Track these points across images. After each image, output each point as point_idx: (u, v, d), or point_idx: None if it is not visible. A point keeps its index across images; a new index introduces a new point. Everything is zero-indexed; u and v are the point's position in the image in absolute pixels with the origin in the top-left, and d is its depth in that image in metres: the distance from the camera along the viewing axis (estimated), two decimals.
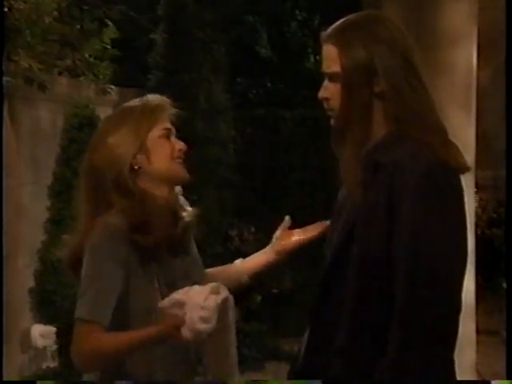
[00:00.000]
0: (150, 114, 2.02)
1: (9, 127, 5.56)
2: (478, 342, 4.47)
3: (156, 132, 2.02)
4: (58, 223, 5.33)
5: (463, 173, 1.75)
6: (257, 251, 2.19)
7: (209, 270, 2.19)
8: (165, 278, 2.00)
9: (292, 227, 2.18)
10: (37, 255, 5.34)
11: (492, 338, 5.58)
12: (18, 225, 5.67)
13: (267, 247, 2.20)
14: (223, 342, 1.97)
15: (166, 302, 1.91)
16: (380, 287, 1.69)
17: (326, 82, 1.80)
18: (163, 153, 2.02)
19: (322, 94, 1.80)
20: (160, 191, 2.02)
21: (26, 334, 5.55)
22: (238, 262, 2.20)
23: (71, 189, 5.30)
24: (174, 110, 2.07)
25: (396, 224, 1.66)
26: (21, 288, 5.43)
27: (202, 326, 1.87)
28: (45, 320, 5.26)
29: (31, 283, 5.31)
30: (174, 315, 1.87)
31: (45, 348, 5.47)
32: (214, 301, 1.89)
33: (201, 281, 2.04)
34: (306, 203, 7.09)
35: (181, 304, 1.88)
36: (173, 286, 1.98)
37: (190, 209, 2.10)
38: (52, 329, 5.27)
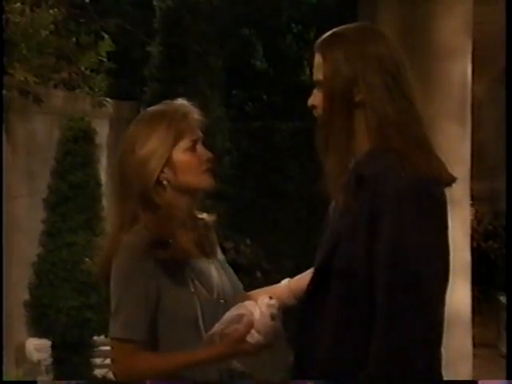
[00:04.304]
0: (178, 125, 2.00)
1: (4, 140, 5.56)
2: (474, 356, 4.45)
3: (182, 145, 2.01)
4: (53, 236, 5.30)
5: (447, 185, 1.76)
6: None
7: (253, 292, 2.14)
8: (200, 280, 1.97)
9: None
10: (32, 268, 5.30)
11: (489, 352, 5.55)
12: (13, 237, 5.66)
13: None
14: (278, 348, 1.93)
15: (218, 326, 1.87)
16: (362, 298, 1.70)
17: (314, 90, 1.84)
18: (189, 167, 2.00)
19: (310, 101, 1.84)
20: (184, 201, 2.02)
21: (21, 348, 5.52)
22: (285, 282, 2.13)
23: (67, 202, 5.30)
24: (200, 117, 2.06)
25: (376, 236, 1.68)
26: (15, 301, 5.40)
27: (274, 323, 1.85)
28: (40, 334, 5.22)
29: (26, 296, 5.27)
30: (235, 329, 1.85)
31: (39, 362, 5.44)
32: (275, 301, 1.89)
33: (239, 289, 2.03)
34: (303, 215, 7.11)
35: (238, 318, 1.87)
36: (211, 289, 1.97)
37: (205, 214, 2.10)
38: (47, 342, 5.24)
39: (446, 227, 1.71)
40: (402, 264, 1.66)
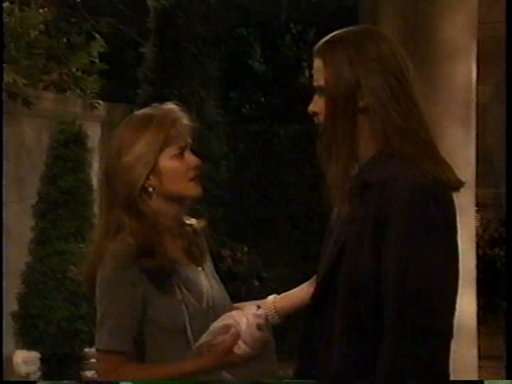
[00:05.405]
0: (166, 130, 1.98)
1: None
2: (479, 368, 4.37)
3: (170, 152, 1.98)
4: (42, 244, 5.28)
5: (455, 190, 1.74)
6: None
7: (239, 304, 2.10)
8: (188, 288, 1.96)
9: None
10: (20, 277, 5.22)
11: (495, 363, 5.48)
12: (1, 245, 5.57)
13: (305, 284, 2.06)
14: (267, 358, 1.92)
15: (205, 338, 1.88)
16: (368, 310, 1.67)
17: (315, 97, 1.81)
18: (176, 174, 1.99)
19: (310, 108, 1.82)
20: (171, 209, 2.00)
21: (9, 361, 5.44)
22: (271, 298, 2.08)
23: (57, 208, 5.25)
24: (190, 122, 2.03)
25: (383, 244, 1.65)
26: (3, 312, 5.28)
27: (261, 333, 1.86)
28: (28, 346, 5.18)
29: (14, 307, 5.19)
30: (222, 341, 1.85)
31: (28, 375, 5.40)
32: (263, 311, 1.91)
33: (226, 301, 2.03)
34: (302, 222, 7.07)
35: (225, 329, 1.86)
36: (200, 297, 1.97)
37: (194, 220, 2.09)
38: (36, 355, 5.22)
39: (455, 234, 1.69)
40: (410, 274, 1.62)
